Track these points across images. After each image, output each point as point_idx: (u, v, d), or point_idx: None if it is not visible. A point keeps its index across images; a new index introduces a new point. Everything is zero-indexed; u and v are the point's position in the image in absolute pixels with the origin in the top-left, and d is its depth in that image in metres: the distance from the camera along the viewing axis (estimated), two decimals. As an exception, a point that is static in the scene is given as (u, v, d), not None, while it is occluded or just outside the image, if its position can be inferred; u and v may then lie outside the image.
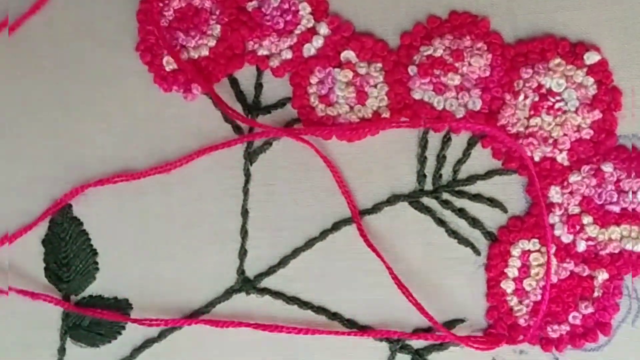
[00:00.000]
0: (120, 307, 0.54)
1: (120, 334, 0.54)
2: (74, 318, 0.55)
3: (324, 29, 0.49)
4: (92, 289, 0.54)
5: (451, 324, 0.49)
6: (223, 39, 0.51)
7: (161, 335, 0.53)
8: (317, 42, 0.50)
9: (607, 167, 0.46)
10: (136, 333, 0.53)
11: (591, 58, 0.46)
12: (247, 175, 0.51)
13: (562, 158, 0.47)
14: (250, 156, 0.51)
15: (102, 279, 0.54)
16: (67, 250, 0.55)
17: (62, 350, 0.55)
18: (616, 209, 0.46)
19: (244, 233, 0.52)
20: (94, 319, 0.54)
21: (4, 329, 0.55)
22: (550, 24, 0.47)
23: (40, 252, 0.55)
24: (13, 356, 0.55)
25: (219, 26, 0.51)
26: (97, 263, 0.54)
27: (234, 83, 0.51)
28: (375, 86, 0.49)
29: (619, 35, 0.46)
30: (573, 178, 0.47)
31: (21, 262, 0.55)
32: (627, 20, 0.46)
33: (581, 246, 0.47)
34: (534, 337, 0.48)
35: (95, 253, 0.54)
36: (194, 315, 0.53)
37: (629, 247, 0.46)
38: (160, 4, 0.51)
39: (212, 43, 0.51)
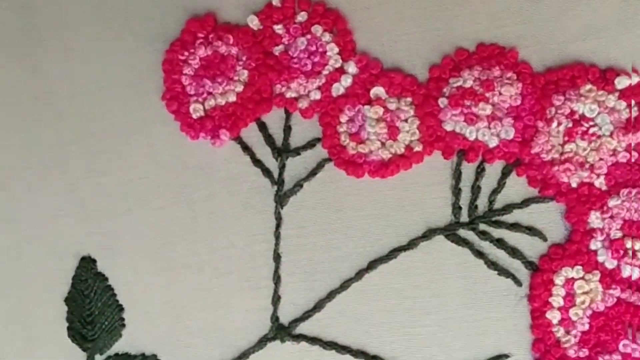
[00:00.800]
0: None
1: None
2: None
3: (352, 68, 0.50)
4: (119, 347, 0.53)
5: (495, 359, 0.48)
6: (250, 83, 0.51)
7: None
8: (346, 81, 0.50)
9: (647, 189, 0.46)
10: None
11: (622, 82, 0.47)
12: (279, 219, 0.51)
13: (600, 183, 0.47)
14: (280, 199, 0.51)
15: (128, 336, 0.53)
16: (92, 308, 0.53)
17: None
18: (660, 230, 0.46)
19: (276, 278, 0.51)
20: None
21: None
22: (579, 52, 0.48)
23: (63, 311, 0.53)
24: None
25: (246, 71, 0.51)
26: (123, 319, 0.53)
27: (262, 127, 0.51)
28: (406, 120, 0.49)
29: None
30: (612, 202, 0.46)
31: (42, 325, 0.53)
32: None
33: (626, 271, 0.46)
34: (584, 369, 0.46)
35: (121, 309, 0.53)
36: None
37: (679, 270, 0.45)
38: (186, 53, 0.51)
39: (240, 88, 0.51)
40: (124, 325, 0.53)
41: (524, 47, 0.48)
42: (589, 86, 0.47)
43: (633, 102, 0.47)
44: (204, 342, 0.52)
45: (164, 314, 0.52)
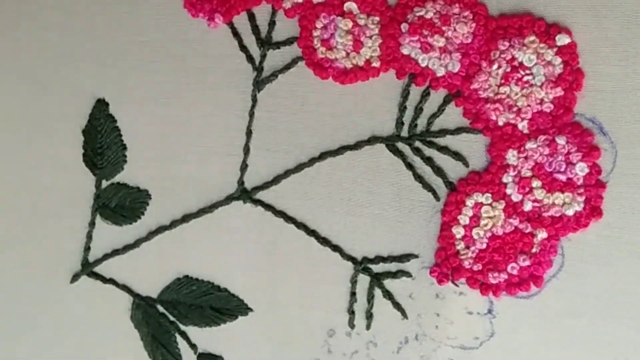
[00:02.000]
0: (141, 196, 0.62)
1: (139, 218, 0.62)
2: (103, 199, 0.64)
3: (332, -20, 0.55)
4: (120, 177, 0.63)
5: (406, 257, 0.55)
6: (245, -24, 0.56)
7: (171, 225, 0.61)
8: (326, -10, 0.55)
9: (561, 140, 0.51)
10: (151, 220, 0.62)
11: (562, 40, 0.50)
12: (254, 100, 0.58)
13: (522, 126, 0.52)
14: (258, 84, 0.58)
15: (128, 170, 0.62)
16: (102, 142, 0.63)
17: (92, 224, 0.64)
18: (563, 177, 0.51)
19: (246, 150, 0.58)
20: (119, 202, 0.63)
21: (40, 198, 0.64)
22: (533, 3, 0.51)
23: (80, 140, 0.64)
24: (49, 223, 0.65)
25: (242, -36, 0.56)
26: (125, 156, 0.62)
27: (252, 17, 0.57)
28: (370, 37, 0.54)
29: (591, 22, 0.50)
30: (529, 145, 0.52)
31: (62, 149, 0.64)
32: (601, 8, 0.50)
33: (527, 206, 0.52)
34: (474, 281, 0.54)
35: (124, 147, 0.62)
36: (199, 213, 0.60)
37: (568, 212, 0.51)
38: (198, -63, 0.57)
39: (236, -21, 0.57)
40: (125, 161, 0.62)
41: (485, -11, 0.52)
42: (532, 37, 0.51)
43: (560, 59, 0.50)
44: (185, 189, 0.60)
45: (157, 160, 0.61)
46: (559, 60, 0.50)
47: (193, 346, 0.63)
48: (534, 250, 0.52)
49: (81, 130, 0.63)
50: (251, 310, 0.60)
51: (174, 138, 0.60)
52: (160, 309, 0.63)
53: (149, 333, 0.64)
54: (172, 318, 0.63)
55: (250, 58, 0.58)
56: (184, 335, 0.63)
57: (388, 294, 0.56)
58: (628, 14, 0.49)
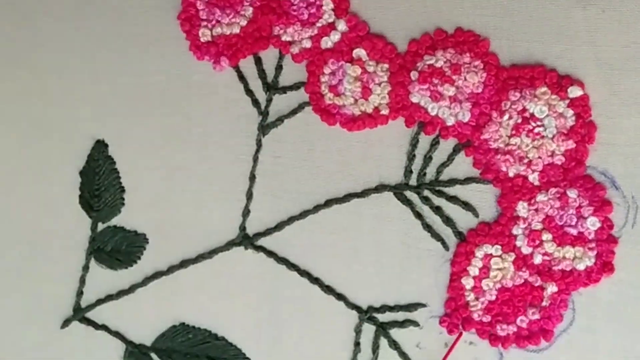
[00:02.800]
0: (138, 240, 0.61)
1: (135, 262, 0.61)
2: (98, 242, 0.62)
3: (342, 26, 0.54)
4: (117, 221, 0.62)
5: (414, 306, 0.55)
6: (253, 20, 0.56)
7: (169, 270, 0.60)
8: (335, 36, 0.54)
9: (572, 193, 0.50)
10: (148, 264, 0.60)
11: (574, 92, 0.50)
12: (259, 145, 0.57)
13: (533, 178, 0.51)
14: (263, 128, 0.57)
15: (126, 213, 0.61)
16: (100, 184, 0.62)
17: (86, 267, 0.62)
18: (574, 231, 0.51)
19: (249, 195, 0.58)
20: (115, 245, 0.62)
21: (35, 241, 0.63)
22: (545, 55, 0.51)
23: (77, 182, 0.62)
24: (42, 266, 0.63)
25: (251, 8, 0.56)
26: (123, 199, 0.61)
27: (258, 61, 0.57)
28: (379, 84, 0.54)
29: (604, 75, 0.50)
30: (540, 197, 0.51)
31: (58, 190, 0.63)
32: (614, 62, 0.50)
33: (537, 259, 0.51)
34: (484, 332, 0.53)
35: (123, 190, 0.62)
36: (198, 259, 0.59)
37: (579, 267, 0.51)
38: (203, -18, 0.57)
39: (244, 22, 0.56)
40: (123, 204, 0.61)
41: (496, 39, 0.52)
42: (544, 89, 0.51)
43: (572, 111, 0.50)
44: (184, 234, 0.59)
45: (156, 203, 0.60)
46: (570, 112, 0.50)
47: (188, 398, 0.61)
48: (543, 303, 0.52)
49: (78, 171, 0.62)
50: (250, 360, 0.59)
51: (175, 181, 0.60)
52: (155, 357, 0.61)
53: (142, 383, 0.62)
54: (166, 368, 0.61)
55: (255, 102, 0.57)
56: (178, 386, 0.61)
57: (394, 344, 0.55)
58: (640, 68, 0.49)
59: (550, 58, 0.51)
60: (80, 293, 0.62)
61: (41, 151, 0.62)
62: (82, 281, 0.62)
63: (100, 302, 0.62)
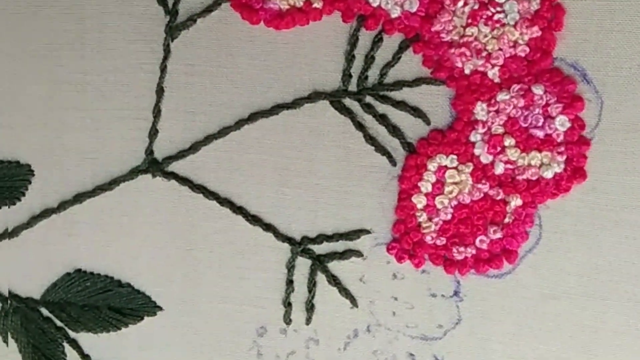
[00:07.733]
0: (21, 172, 0.53)
1: (19, 199, 0.54)
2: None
3: None
4: (-6, 151, 0.53)
5: (356, 233, 0.49)
6: None
7: (60, 207, 0.53)
8: None
9: (538, 89, 0.45)
10: (34, 201, 0.53)
11: (539, -30, 0.44)
12: (167, 51, 0.49)
13: (493, 74, 0.45)
14: (171, 31, 0.49)
15: (4, 141, 0.53)
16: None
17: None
18: (540, 134, 0.45)
19: (156, 112, 0.50)
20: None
21: None
22: None
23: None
24: None
25: None
26: (-1, 123, 0.53)
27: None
28: (310, -27, 0.46)
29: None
30: (501, 96, 0.45)
31: None
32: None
33: (499, 168, 0.46)
34: (438, 257, 0.47)
35: None
36: (96, 191, 0.52)
37: (547, 175, 0.45)
38: None
39: None
40: (0, 128, 0.53)
41: None
42: (503, -33, 0.44)
43: None
44: (77, 161, 0.52)
45: (42, 125, 0.52)
46: (535, -6, 0.44)
47: (86, 357, 0.55)
48: (506, 220, 0.46)
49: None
50: (161, 309, 0.53)
51: (63, 97, 0.51)
52: (45, 312, 0.55)
53: (29, 343, 0.56)
54: (59, 323, 0.55)
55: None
56: (74, 343, 0.55)
57: (334, 279, 0.50)
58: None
59: None
60: (-47, 239, 0.54)
61: None
62: (-45, 225, 0.53)
63: (-23, 248, 0.54)
